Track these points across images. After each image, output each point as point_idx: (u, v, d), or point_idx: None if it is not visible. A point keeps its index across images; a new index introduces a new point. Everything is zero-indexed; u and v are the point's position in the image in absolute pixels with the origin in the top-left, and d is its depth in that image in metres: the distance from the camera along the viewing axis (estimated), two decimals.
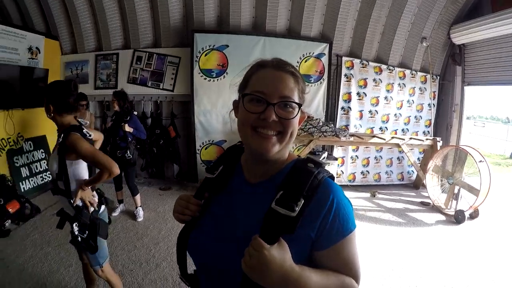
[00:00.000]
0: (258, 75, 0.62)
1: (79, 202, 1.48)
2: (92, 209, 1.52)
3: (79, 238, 1.48)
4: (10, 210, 2.99)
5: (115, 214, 3.25)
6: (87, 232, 1.48)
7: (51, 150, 1.56)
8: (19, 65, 3.82)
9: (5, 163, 3.63)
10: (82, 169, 1.50)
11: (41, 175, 4.01)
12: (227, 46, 3.92)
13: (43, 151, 4.13)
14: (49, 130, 4.10)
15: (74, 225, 1.48)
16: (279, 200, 0.55)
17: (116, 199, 3.34)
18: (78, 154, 1.41)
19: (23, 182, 3.79)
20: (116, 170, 1.45)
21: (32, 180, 3.91)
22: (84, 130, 1.48)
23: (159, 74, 4.17)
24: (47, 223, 3.03)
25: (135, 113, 3.26)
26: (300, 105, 0.61)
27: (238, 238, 0.60)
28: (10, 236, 2.80)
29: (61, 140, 1.40)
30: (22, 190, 3.70)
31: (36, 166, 4.01)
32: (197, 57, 3.91)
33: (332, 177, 0.63)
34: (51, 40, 4.37)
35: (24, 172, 3.85)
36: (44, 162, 4.06)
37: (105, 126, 3.22)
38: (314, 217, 0.57)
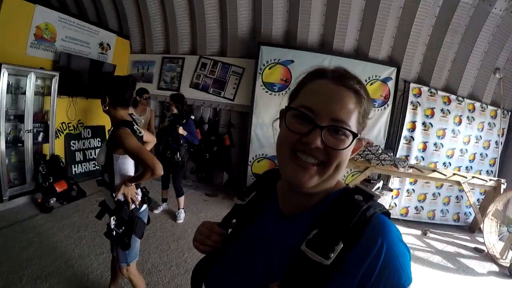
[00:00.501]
0: (311, 86, 0.51)
1: (120, 197, 1.45)
2: (133, 206, 1.49)
3: (114, 232, 1.46)
4: (57, 189, 3.18)
5: (157, 211, 3.30)
6: (123, 227, 1.46)
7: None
8: (90, 58, 4.08)
9: (62, 145, 3.88)
10: (129, 165, 1.48)
11: (93, 161, 4.24)
12: (292, 61, 3.88)
13: (99, 140, 4.37)
14: (109, 122, 4.34)
15: (112, 218, 1.47)
16: (312, 241, 0.44)
17: (161, 197, 3.40)
18: (124, 148, 1.39)
19: (76, 165, 4.03)
20: (160, 171, 1.39)
21: (84, 165, 4.14)
22: (134, 127, 1.46)
23: (221, 82, 4.23)
24: (89, 208, 3.12)
25: (193, 117, 3.29)
26: (355, 135, 0.48)
27: (261, 282, 0.50)
28: (52, 213, 2.96)
29: (110, 133, 1.41)
30: (73, 173, 3.93)
31: (90, 152, 4.24)
32: (261, 69, 3.91)
33: (387, 214, 0.49)
34: (122, 39, 4.64)
35: (78, 156, 4.09)
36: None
37: (162, 126, 3.29)
38: (355, 267, 0.43)
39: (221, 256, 0.59)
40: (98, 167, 1.55)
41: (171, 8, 4.21)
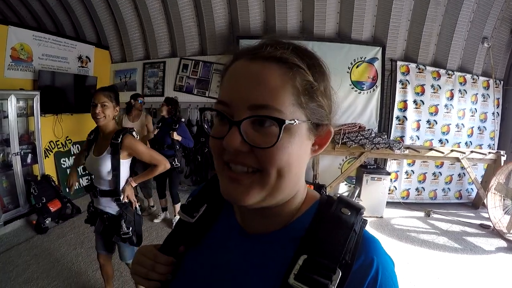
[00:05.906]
0: (227, 73, 0.39)
1: (126, 199, 1.59)
2: (134, 206, 1.65)
3: (130, 233, 1.59)
4: (51, 208, 3.14)
5: (157, 220, 3.28)
6: (130, 227, 1.60)
7: (93, 152, 1.60)
8: (70, 73, 4.00)
9: (53, 164, 3.82)
10: (128, 168, 1.60)
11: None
12: None
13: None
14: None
15: (122, 221, 1.57)
16: (302, 271, 0.35)
17: (160, 206, 3.37)
18: (138, 153, 1.56)
19: None
20: (168, 164, 1.68)
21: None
22: (134, 132, 1.60)
23: (205, 82, 4.15)
24: (85, 225, 3.03)
25: (183, 120, 3.21)
26: (282, 122, 0.34)
27: None
28: (48, 233, 2.94)
29: (119, 141, 1.48)
30: (67, 190, 3.85)
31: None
32: None
33: (365, 224, 0.42)
34: (101, 50, 4.55)
35: None
36: None
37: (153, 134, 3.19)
38: None
39: None
40: (92, 176, 1.63)
41: (146, 13, 4.13)
